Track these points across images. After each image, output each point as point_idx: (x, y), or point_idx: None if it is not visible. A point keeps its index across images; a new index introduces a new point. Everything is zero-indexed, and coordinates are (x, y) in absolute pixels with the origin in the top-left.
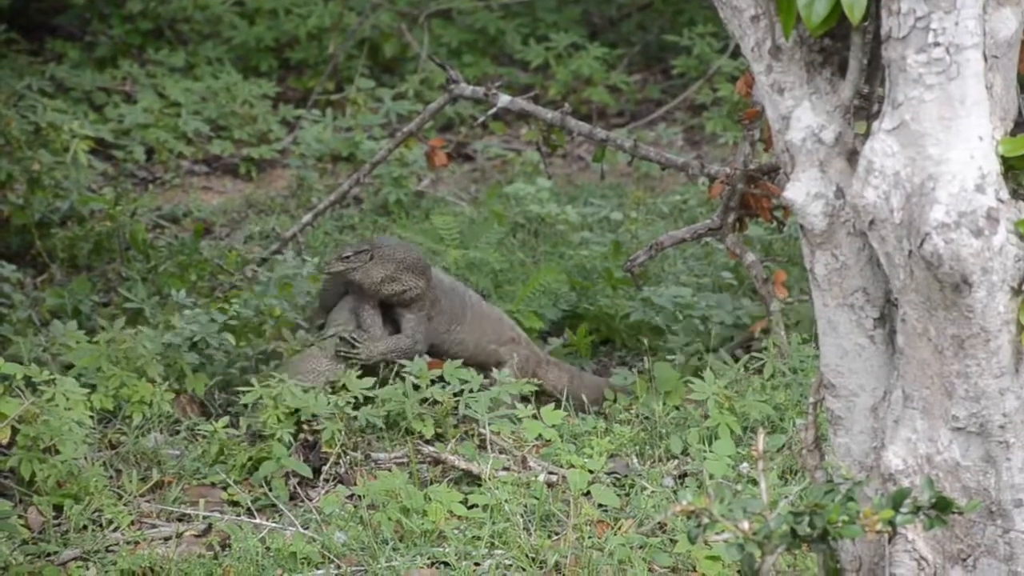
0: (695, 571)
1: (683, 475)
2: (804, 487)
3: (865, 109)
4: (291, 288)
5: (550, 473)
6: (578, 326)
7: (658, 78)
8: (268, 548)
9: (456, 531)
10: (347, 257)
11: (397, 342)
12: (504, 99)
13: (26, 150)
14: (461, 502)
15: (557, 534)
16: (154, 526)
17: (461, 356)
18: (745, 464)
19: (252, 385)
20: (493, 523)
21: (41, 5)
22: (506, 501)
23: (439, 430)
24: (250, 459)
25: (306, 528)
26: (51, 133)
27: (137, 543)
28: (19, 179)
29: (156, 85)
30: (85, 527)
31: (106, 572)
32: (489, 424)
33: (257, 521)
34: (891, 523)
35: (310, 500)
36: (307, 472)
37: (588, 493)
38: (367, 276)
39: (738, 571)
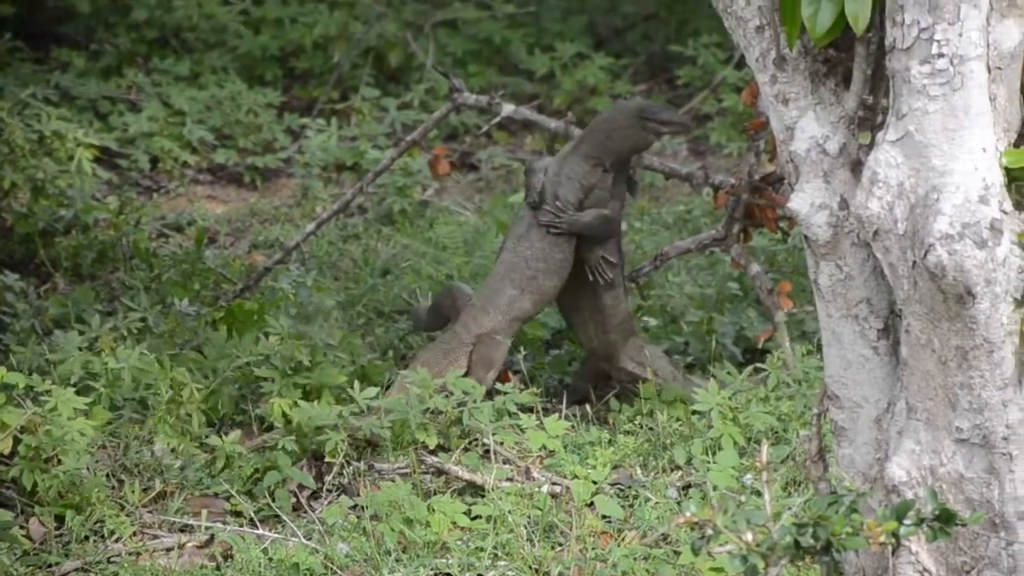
0: None
1: (687, 486)
2: (808, 498)
3: (869, 120)
4: (295, 298)
5: (554, 484)
6: None
7: (663, 88)
8: (271, 559)
9: (459, 542)
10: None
11: (599, 214)
12: (507, 108)
13: (30, 158)
14: (464, 513)
15: (561, 545)
16: (156, 537)
17: (606, 304)
18: (749, 475)
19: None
20: (496, 534)
21: (46, 14)
22: (509, 512)
23: (442, 441)
24: (255, 470)
25: (309, 539)
26: (55, 142)
27: (139, 554)
28: (23, 187)
29: (161, 94)
30: (87, 538)
31: None
32: (493, 434)
33: (260, 532)
34: (895, 535)
35: (313, 511)
36: (311, 483)
37: (592, 504)
38: None
39: None
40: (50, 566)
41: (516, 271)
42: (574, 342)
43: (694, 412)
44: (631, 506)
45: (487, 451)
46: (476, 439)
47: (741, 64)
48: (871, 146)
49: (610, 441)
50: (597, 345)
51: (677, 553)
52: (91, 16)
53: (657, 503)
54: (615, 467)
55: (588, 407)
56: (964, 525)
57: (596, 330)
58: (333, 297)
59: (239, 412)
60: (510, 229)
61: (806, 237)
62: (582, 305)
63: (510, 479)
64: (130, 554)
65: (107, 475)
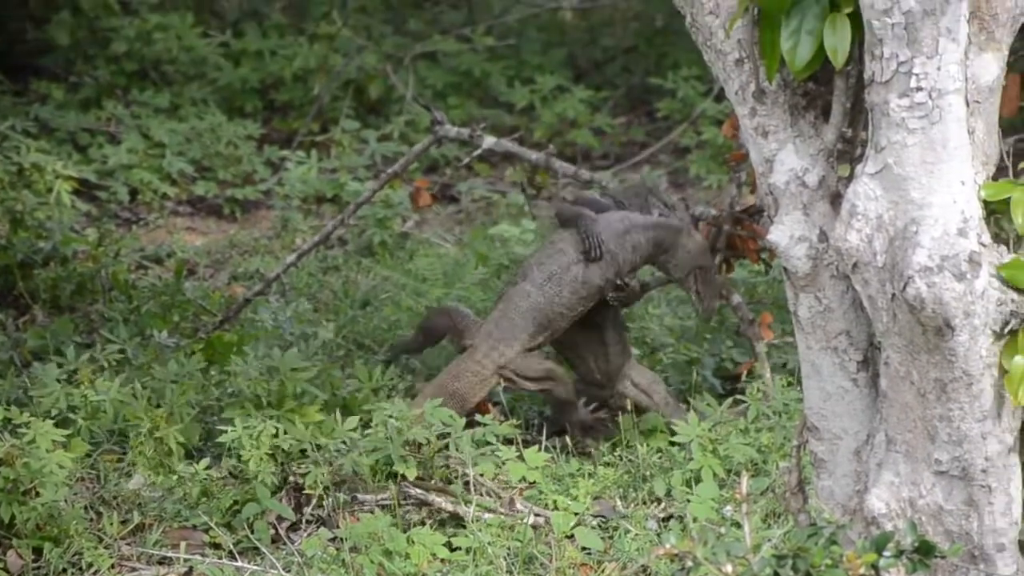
0: None
1: (667, 518)
2: (787, 530)
3: (848, 152)
4: (277, 331)
5: (536, 515)
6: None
7: (643, 121)
8: None
9: (439, 574)
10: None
11: (640, 284)
12: (489, 140)
13: (9, 191)
14: (444, 544)
15: None
16: (134, 569)
17: (607, 332)
18: (729, 507)
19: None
20: (476, 566)
21: (26, 46)
22: (489, 544)
23: (424, 472)
24: (234, 502)
25: (288, 571)
26: (34, 174)
27: None
28: (1, 219)
29: (140, 126)
30: (65, 570)
31: None
32: (474, 465)
33: (239, 564)
34: (874, 567)
35: (292, 543)
36: (290, 515)
37: (572, 536)
38: None
39: None
40: None
41: (540, 312)
42: None
43: (674, 444)
44: (611, 538)
45: (467, 483)
46: (457, 471)
47: (721, 97)
48: (850, 179)
49: (590, 473)
50: (599, 376)
51: None
52: (70, 48)
53: (637, 535)
54: (595, 498)
55: (567, 438)
56: (943, 557)
57: (598, 362)
58: (313, 328)
59: (215, 445)
60: (536, 260)
61: (785, 269)
62: (580, 343)
63: (492, 511)
64: None
65: (85, 507)
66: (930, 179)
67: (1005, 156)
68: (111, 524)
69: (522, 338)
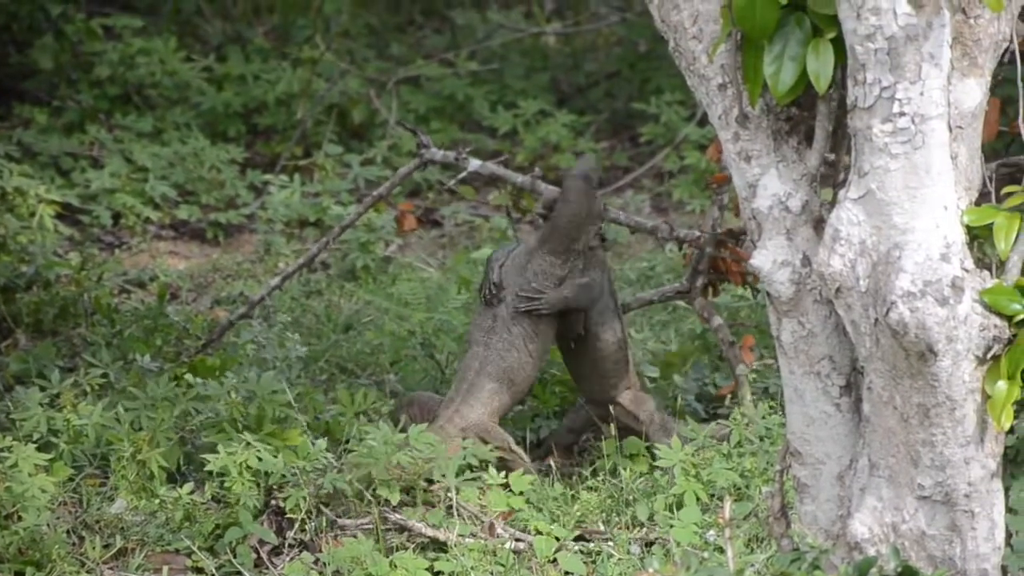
0: None
1: (650, 542)
2: (771, 555)
3: (831, 177)
4: (260, 357)
5: (517, 540)
6: (544, 391)
7: (626, 145)
8: None
9: None
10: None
11: (577, 284)
12: (475, 163)
13: None
14: (427, 569)
15: None
16: None
17: (600, 346)
18: (712, 532)
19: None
20: None
21: (8, 70)
22: (472, 568)
23: (408, 495)
24: (216, 526)
25: None
26: (17, 198)
27: None
28: None
29: (123, 150)
30: None
31: None
32: (457, 490)
33: None
34: None
35: (275, 567)
36: (272, 539)
37: (555, 560)
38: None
39: None
40: None
41: (493, 365)
42: (537, 398)
43: (657, 468)
44: (594, 562)
45: (451, 507)
46: (437, 495)
47: (704, 122)
48: (833, 204)
49: (573, 497)
50: (598, 395)
51: None
52: (54, 73)
53: (620, 559)
54: (578, 523)
55: (552, 462)
56: None
57: (595, 385)
58: (295, 352)
59: (198, 468)
60: (472, 324)
61: (768, 294)
62: (586, 364)
63: (474, 535)
64: None
65: (68, 532)
66: (913, 204)
67: (988, 181)
68: (93, 548)
69: (482, 397)
